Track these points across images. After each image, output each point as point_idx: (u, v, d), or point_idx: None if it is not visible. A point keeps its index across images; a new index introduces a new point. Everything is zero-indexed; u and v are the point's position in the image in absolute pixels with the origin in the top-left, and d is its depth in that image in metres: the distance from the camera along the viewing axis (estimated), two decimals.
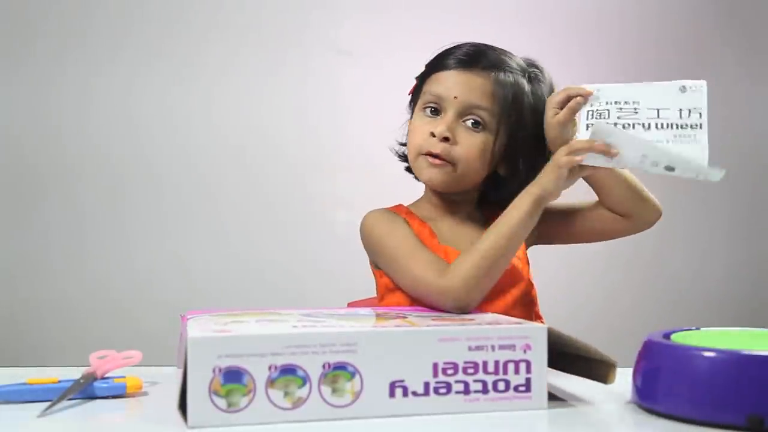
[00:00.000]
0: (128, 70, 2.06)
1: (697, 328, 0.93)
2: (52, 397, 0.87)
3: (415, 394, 0.83)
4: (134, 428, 0.86)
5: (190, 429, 0.78)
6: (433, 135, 1.13)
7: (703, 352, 0.80)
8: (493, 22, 2.16)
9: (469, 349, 0.84)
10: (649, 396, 0.84)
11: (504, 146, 1.15)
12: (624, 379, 0.90)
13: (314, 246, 2.09)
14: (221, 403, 0.79)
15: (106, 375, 0.94)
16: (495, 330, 0.85)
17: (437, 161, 1.13)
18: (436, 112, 1.16)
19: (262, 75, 2.10)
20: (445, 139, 1.13)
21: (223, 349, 0.79)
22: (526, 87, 1.16)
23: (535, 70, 1.19)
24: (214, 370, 0.79)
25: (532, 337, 0.85)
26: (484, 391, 0.85)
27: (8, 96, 2.02)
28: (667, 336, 0.88)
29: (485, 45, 1.19)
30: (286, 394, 0.80)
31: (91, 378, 0.91)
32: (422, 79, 1.21)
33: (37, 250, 2.03)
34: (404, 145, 1.25)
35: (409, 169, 1.24)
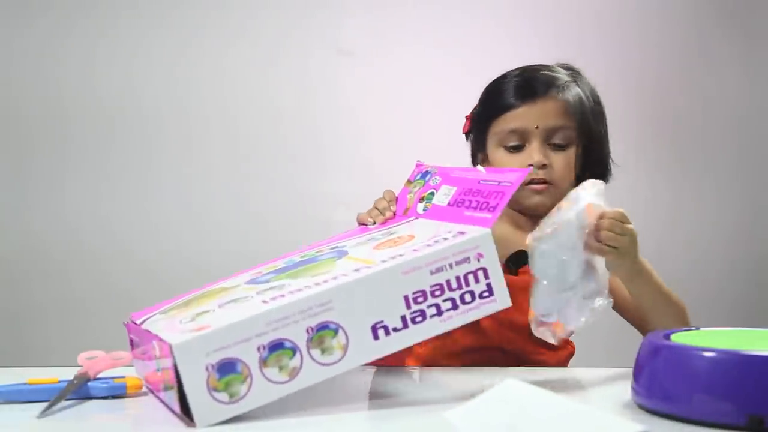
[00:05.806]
0: (127, 70, 2.06)
1: (697, 328, 0.93)
2: (53, 397, 0.87)
3: (395, 330, 0.86)
4: (134, 428, 0.86)
5: (199, 429, 0.78)
6: (530, 165, 1.18)
7: (703, 352, 0.80)
8: (495, 21, 2.15)
9: (431, 273, 0.87)
10: (649, 396, 0.84)
11: (584, 150, 1.23)
12: (624, 379, 0.90)
13: None
14: (222, 396, 0.80)
15: (101, 375, 0.93)
16: (449, 249, 0.88)
17: (541, 186, 1.20)
18: (518, 144, 1.21)
19: (262, 74, 2.10)
20: (543, 166, 1.19)
21: (209, 345, 0.80)
22: (581, 92, 1.24)
23: (575, 72, 1.27)
24: (207, 368, 0.79)
25: (482, 244, 0.88)
26: (455, 307, 0.88)
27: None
28: (667, 336, 0.88)
29: (529, 69, 1.25)
30: (281, 368, 0.82)
31: (84, 378, 0.91)
32: (483, 122, 1.26)
33: (36, 250, 2.03)
34: None
35: None
